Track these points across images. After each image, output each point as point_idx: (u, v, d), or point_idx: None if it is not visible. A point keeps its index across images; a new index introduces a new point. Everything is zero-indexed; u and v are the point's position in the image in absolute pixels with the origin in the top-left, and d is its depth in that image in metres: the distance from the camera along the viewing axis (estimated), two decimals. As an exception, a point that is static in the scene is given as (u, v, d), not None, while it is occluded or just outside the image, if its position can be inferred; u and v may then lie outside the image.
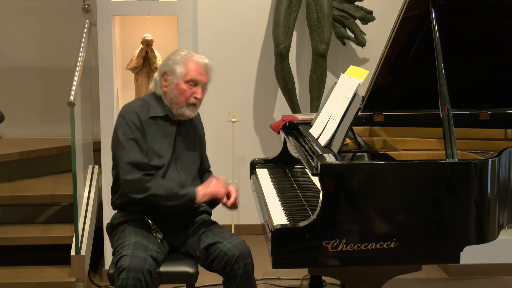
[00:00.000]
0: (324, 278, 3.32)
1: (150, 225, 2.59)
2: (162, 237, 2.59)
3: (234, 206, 2.66)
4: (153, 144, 2.60)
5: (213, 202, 2.66)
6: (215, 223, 2.72)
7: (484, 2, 2.58)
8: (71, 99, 3.37)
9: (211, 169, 2.91)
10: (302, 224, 2.11)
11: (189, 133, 2.71)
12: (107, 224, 2.71)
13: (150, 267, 2.40)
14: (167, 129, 2.65)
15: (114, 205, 2.70)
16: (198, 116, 2.78)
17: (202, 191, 2.56)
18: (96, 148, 3.87)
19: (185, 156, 2.68)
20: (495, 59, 2.84)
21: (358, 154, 2.42)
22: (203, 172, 2.84)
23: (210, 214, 2.81)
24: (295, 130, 2.94)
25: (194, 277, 2.55)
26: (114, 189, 2.68)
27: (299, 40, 4.34)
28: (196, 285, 2.68)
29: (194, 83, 2.60)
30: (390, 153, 2.44)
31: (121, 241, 2.51)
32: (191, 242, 2.63)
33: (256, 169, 3.10)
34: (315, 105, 4.07)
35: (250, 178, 3.14)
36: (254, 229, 4.44)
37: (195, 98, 2.59)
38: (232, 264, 2.46)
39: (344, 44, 4.27)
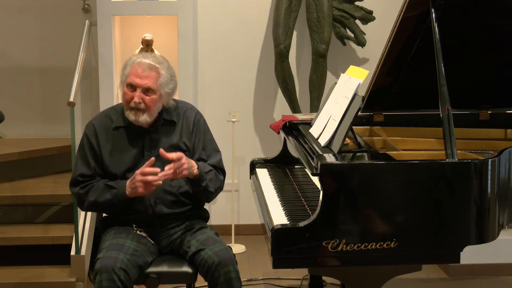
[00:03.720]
0: (324, 278, 3.32)
1: (133, 226, 2.62)
2: (146, 235, 2.60)
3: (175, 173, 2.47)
4: (115, 154, 2.60)
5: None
6: (205, 228, 2.67)
7: (484, 2, 2.58)
8: (71, 99, 3.37)
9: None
10: (302, 224, 2.11)
11: (165, 140, 2.62)
12: (94, 230, 2.73)
13: (123, 265, 2.39)
14: (133, 138, 2.62)
15: None
16: (187, 116, 2.69)
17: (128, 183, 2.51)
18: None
19: (159, 163, 2.56)
20: (495, 59, 2.83)
21: (358, 154, 2.42)
22: None
23: (206, 219, 2.79)
24: (295, 130, 2.94)
25: (193, 277, 2.55)
26: None
27: (299, 40, 4.34)
28: (196, 285, 2.68)
29: (132, 87, 2.54)
30: (390, 153, 2.44)
31: (100, 247, 2.55)
32: (181, 249, 2.61)
33: (256, 169, 3.10)
34: (315, 105, 4.07)
35: (250, 178, 3.14)
36: (254, 229, 4.45)
37: (134, 102, 2.52)
38: (212, 272, 2.43)
39: (344, 44, 4.27)
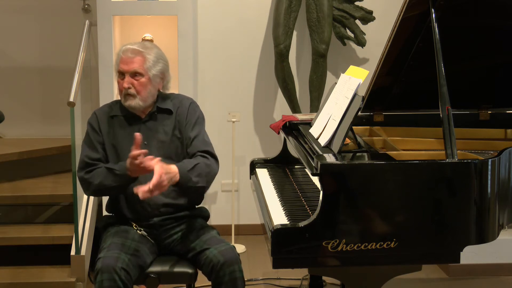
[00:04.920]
0: (324, 278, 3.32)
1: (132, 226, 2.63)
2: (146, 235, 2.60)
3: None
4: (113, 143, 2.63)
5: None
6: (207, 228, 2.68)
7: (484, 2, 2.58)
8: (71, 99, 3.37)
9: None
10: (302, 224, 2.11)
11: (161, 128, 2.64)
12: (94, 230, 2.72)
13: (124, 264, 2.39)
14: (130, 127, 2.65)
15: (106, 206, 2.76)
16: (183, 105, 2.69)
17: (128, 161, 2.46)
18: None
19: (156, 151, 2.60)
20: (495, 59, 2.83)
21: (358, 154, 2.42)
22: (192, 155, 2.63)
23: (206, 218, 2.80)
24: (295, 130, 2.94)
25: (193, 277, 2.55)
26: None
27: (299, 40, 4.34)
28: (196, 284, 2.68)
29: (122, 74, 2.60)
30: (390, 153, 2.44)
31: (101, 246, 2.55)
32: (182, 249, 2.62)
33: (256, 169, 3.10)
34: (315, 105, 4.07)
35: (250, 178, 3.14)
36: (254, 229, 4.45)
37: (124, 87, 2.58)
38: (217, 271, 2.44)
39: (344, 44, 4.27)
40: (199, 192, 2.62)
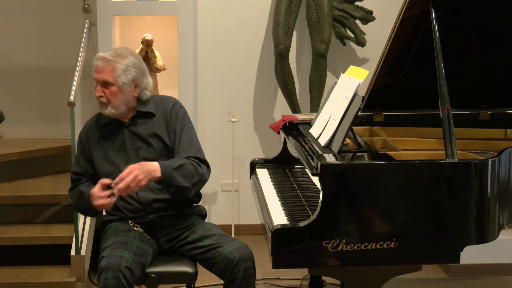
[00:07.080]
0: (324, 278, 3.32)
1: (128, 223, 2.64)
2: (143, 231, 2.61)
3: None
4: (102, 150, 2.66)
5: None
6: (210, 226, 2.68)
7: (484, 2, 2.58)
8: (71, 99, 3.37)
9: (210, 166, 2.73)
10: (302, 224, 2.11)
11: (144, 131, 2.65)
12: (94, 230, 2.75)
13: (129, 263, 2.39)
14: (115, 133, 2.68)
15: None
16: (165, 106, 2.69)
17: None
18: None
19: (140, 155, 2.64)
20: (495, 59, 2.84)
21: (358, 154, 2.42)
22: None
23: (204, 217, 2.79)
24: (295, 130, 2.94)
25: (193, 277, 2.55)
26: None
27: (299, 40, 4.34)
28: (196, 284, 2.68)
29: (96, 83, 2.63)
30: (390, 153, 2.44)
31: (103, 245, 2.56)
32: (185, 247, 2.62)
33: (256, 169, 3.10)
34: (315, 105, 4.07)
35: (250, 178, 3.14)
36: (254, 229, 4.45)
37: (96, 96, 2.61)
38: (232, 267, 2.44)
39: (344, 44, 4.27)
40: (183, 193, 2.57)
